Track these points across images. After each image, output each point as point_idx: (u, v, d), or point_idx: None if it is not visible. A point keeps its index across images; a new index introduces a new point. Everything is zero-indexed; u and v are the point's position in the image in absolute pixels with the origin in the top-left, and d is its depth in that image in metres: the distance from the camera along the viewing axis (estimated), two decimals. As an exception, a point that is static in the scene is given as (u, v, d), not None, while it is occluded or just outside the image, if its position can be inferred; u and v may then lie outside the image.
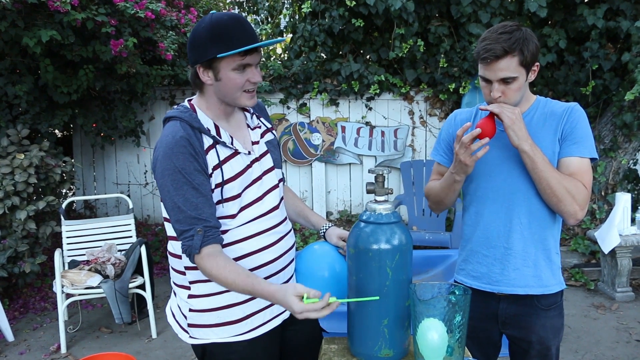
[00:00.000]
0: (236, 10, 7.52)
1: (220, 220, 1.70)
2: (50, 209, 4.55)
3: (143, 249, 4.15)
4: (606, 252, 4.59)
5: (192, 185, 1.61)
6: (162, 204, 1.70)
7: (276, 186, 1.84)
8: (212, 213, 1.64)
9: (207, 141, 1.68)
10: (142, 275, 4.15)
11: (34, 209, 4.33)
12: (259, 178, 1.77)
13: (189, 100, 1.77)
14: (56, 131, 5.97)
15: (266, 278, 1.76)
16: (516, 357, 2.06)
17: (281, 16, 7.04)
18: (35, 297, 4.90)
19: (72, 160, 5.13)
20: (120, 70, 5.02)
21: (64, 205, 4.60)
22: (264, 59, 6.82)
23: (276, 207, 1.82)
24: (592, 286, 4.91)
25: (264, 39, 7.08)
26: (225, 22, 1.60)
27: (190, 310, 1.77)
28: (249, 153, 1.76)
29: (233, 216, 1.71)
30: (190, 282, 1.76)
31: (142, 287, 4.13)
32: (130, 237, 4.57)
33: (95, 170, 6.84)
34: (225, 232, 1.71)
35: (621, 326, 4.16)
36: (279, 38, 1.80)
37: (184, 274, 1.77)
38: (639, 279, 5.02)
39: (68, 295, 3.96)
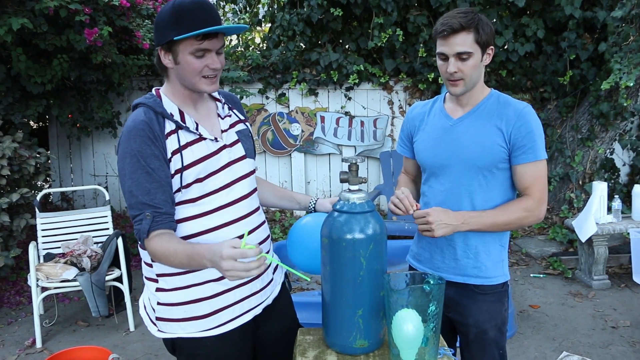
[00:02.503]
0: (214, 0, 7.43)
1: (183, 207, 1.68)
2: (25, 202, 4.47)
3: (120, 241, 4.10)
4: (583, 240, 4.63)
5: (146, 170, 1.59)
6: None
7: (247, 175, 1.81)
8: (165, 199, 1.62)
9: (170, 126, 1.66)
10: (119, 268, 4.10)
11: (7, 201, 4.24)
12: (228, 165, 1.74)
13: (157, 89, 1.76)
14: (31, 122, 5.87)
15: None
16: (461, 342, 2.11)
17: (260, 5, 6.98)
18: (10, 291, 4.82)
19: (48, 152, 5.04)
20: (95, 59, 4.94)
21: (38, 198, 4.53)
22: (242, 49, 6.77)
23: (246, 196, 1.79)
24: (569, 274, 4.95)
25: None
26: (186, 4, 1.58)
27: (158, 303, 1.75)
28: (216, 140, 1.73)
29: (193, 200, 1.69)
30: (158, 275, 1.74)
31: (119, 279, 4.08)
32: (107, 229, 4.51)
33: (72, 161, 6.74)
34: (190, 219, 1.69)
35: (597, 313, 4.21)
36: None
37: (151, 266, 1.75)
38: (615, 267, 5.08)
39: (43, 289, 3.90)
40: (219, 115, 1.81)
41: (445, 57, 1.87)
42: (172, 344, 1.79)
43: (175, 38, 1.58)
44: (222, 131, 1.78)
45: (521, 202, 1.92)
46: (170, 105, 1.69)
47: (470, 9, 1.87)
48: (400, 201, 1.86)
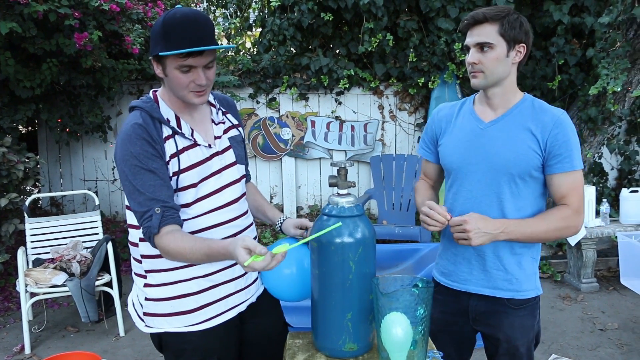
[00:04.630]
0: (204, 4, 7.43)
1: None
2: (13, 207, 4.44)
3: (110, 246, 4.08)
4: (572, 244, 4.67)
5: (148, 169, 1.62)
6: (123, 191, 1.72)
7: (237, 181, 1.85)
8: (170, 195, 1.65)
9: (167, 131, 1.70)
10: (109, 273, 4.08)
11: (-5, 206, 4.22)
12: (218, 171, 1.79)
13: (155, 91, 1.78)
14: (20, 127, 5.83)
15: (223, 269, 1.80)
16: (489, 352, 2.05)
17: (250, 10, 6.99)
18: (-2, 296, 4.79)
19: (37, 157, 5.02)
20: (85, 64, 4.92)
21: (27, 202, 4.50)
22: (232, 54, 6.76)
23: (235, 201, 1.83)
24: (558, 278, 4.99)
25: (232, 33, 7.02)
26: (176, 20, 1.59)
27: (146, 299, 1.79)
28: (210, 146, 1.77)
29: (188, 205, 1.73)
30: (146, 271, 1.78)
31: (109, 284, 4.07)
32: (97, 234, 4.49)
33: (62, 166, 6.70)
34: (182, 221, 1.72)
35: (586, 316, 4.24)
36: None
37: (140, 262, 1.79)
38: (603, 270, 5.12)
39: (32, 295, 3.87)
40: (212, 121, 1.83)
41: (469, 49, 1.84)
42: (159, 340, 1.83)
43: (160, 54, 1.60)
44: (215, 137, 1.81)
45: (560, 210, 1.83)
46: (166, 111, 1.72)
47: (506, 7, 1.81)
48: (431, 216, 1.79)
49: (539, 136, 1.82)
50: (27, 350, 3.84)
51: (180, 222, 1.65)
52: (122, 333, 4.06)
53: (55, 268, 4.02)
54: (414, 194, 2.18)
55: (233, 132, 1.89)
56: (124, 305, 4.14)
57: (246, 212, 1.90)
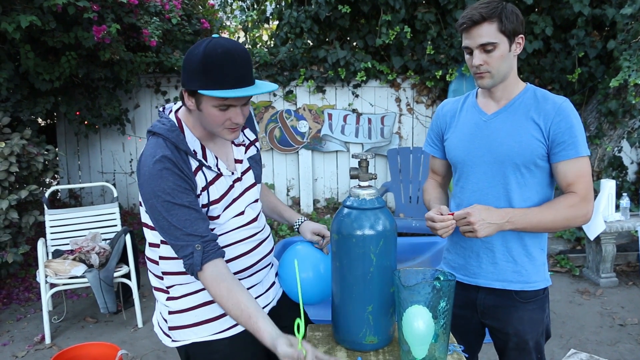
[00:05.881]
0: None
1: None
2: (33, 198, 4.49)
3: (128, 238, 4.11)
4: (592, 238, 4.62)
5: (182, 205, 1.57)
6: (146, 214, 1.68)
7: (256, 200, 1.85)
8: (207, 227, 1.62)
9: (194, 163, 1.65)
10: (128, 264, 4.11)
11: (16, 198, 4.26)
12: (240, 196, 1.77)
13: (176, 112, 1.71)
14: (39, 119, 5.88)
15: (243, 279, 1.78)
16: (497, 346, 2.05)
17: (267, 2, 6.98)
18: (19, 287, 4.85)
19: (56, 149, 5.06)
20: (103, 57, 4.95)
21: (47, 194, 4.55)
22: (249, 46, 6.76)
23: (254, 220, 1.82)
24: (577, 272, 4.94)
25: (249, 25, 7.01)
26: (217, 56, 1.50)
27: (170, 312, 1.76)
28: (232, 174, 1.75)
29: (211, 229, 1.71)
30: (168, 287, 1.76)
31: (127, 276, 4.10)
32: (115, 225, 4.52)
33: (80, 158, 6.76)
34: None
35: (605, 311, 4.20)
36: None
37: (162, 278, 1.77)
38: (622, 265, 5.06)
39: (52, 285, 3.92)
40: (232, 142, 1.80)
41: (470, 51, 1.81)
42: (187, 353, 1.79)
43: (199, 91, 1.53)
44: (236, 161, 1.78)
45: (567, 198, 1.81)
46: (192, 141, 1.66)
47: (494, 0, 1.79)
48: (435, 226, 1.79)
49: (542, 125, 1.81)
50: (47, 340, 3.89)
51: (221, 255, 1.62)
52: (140, 324, 4.09)
53: (74, 259, 4.06)
54: (423, 197, 2.17)
55: (252, 151, 1.86)
56: (142, 296, 4.17)
57: (263, 228, 1.88)
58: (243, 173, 1.79)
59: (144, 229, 1.75)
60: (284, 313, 1.91)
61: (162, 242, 1.72)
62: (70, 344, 3.75)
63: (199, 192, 1.63)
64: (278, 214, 2.10)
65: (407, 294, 1.52)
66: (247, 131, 1.89)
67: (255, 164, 1.86)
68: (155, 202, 1.57)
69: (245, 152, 1.83)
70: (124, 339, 3.93)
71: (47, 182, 4.97)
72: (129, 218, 6.30)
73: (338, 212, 1.69)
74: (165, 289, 1.77)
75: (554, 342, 3.70)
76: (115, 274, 3.99)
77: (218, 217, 1.70)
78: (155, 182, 1.56)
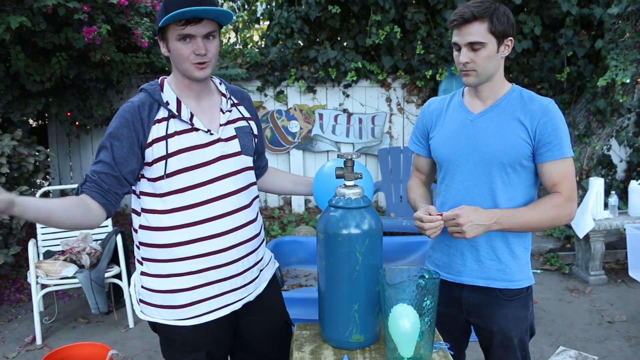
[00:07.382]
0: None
1: (171, 197, 1.72)
2: (24, 199, 4.47)
3: (119, 238, 4.12)
4: (581, 236, 4.65)
5: (109, 147, 1.68)
6: (136, 200, 1.80)
7: (240, 171, 1.82)
8: (109, 174, 1.69)
9: (162, 113, 1.71)
10: (119, 265, 4.12)
11: (6, 199, 4.25)
12: (219, 159, 1.76)
13: (164, 78, 1.81)
14: (30, 120, 5.87)
15: (218, 267, 1.77)
16: (482, 344, 2.07)
17: (258, 3, 6.99)
18: (10, 288, 4.84)
19: (47, 150, 5.05)
20: (94, 57, 4.94)
21: (38, 195, 4.54)
22: (240, 47, 6.77)
23: (234, 192, 1.79)
24: (566, 270, 4.98)
25: (239, 26, 7.02)
26: None
27: (142, 287, 1.83)
28: (210, 133, 1.75)
29: (181, 190, 1.72)
30: (143, 259, 1.81)
31: (118, 276, 4.10)
32: (106, 226, 4.52)
33: (72, 159, 6.75)
34: (176, 210, 1.72)
35: (594, 309, 4.24)
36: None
37: (139, 248, 1.82)
38: (611, 263, 5.11)
39: (43, 286, 3.91)
40: (221, 110, 1.82)
41: (458, 47, 1.83)
42: (153, 324, 1.86)
43: (159, 25, 1.64)
44: (220, 125, 1.79)
45: (552, 199, 1.84)
46: (169, 94, 1.74)
47: (491, 1, 1.81)
48: (424, 226, 1.80)
49: (528, 125, 1.84)
50: (39, 340, 3.89)
51: (93, 196, 1.69)
52: (131, 324, 4.10)
53: (65, 260, 4.06)
54: (407, 196, 2.17)
55: (241, 123, 1.87)
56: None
57: (248, 206, 1.84)
58: (228, 138, 1.80)
59: (132, 196, 1.83)
60: (259, 308, 1.92)
61: (142, 210, 1.76)
62: (62, 344, 3.74)
63: (150, 140, 1.68)
64: (304, 184, 2.12)
65: (392, 292, 1.54)
66: (242, 108, 1.91)
67: (244, 135, 1.86)
68: (106, 132, 1.71)
69: (233, 123, 1.84)
70: (115, 339, 3.93)
71: (39, 183, 4.97)
72: (121, 219, 6.29)
73: (324, 212, 1.71)
74: (140, 260, 1.82)
75: (543, 339, 3.74)
76: (106, 275, 3.99)
77: (185, 169, 1.71)
78: (112, 121, 1.71)
